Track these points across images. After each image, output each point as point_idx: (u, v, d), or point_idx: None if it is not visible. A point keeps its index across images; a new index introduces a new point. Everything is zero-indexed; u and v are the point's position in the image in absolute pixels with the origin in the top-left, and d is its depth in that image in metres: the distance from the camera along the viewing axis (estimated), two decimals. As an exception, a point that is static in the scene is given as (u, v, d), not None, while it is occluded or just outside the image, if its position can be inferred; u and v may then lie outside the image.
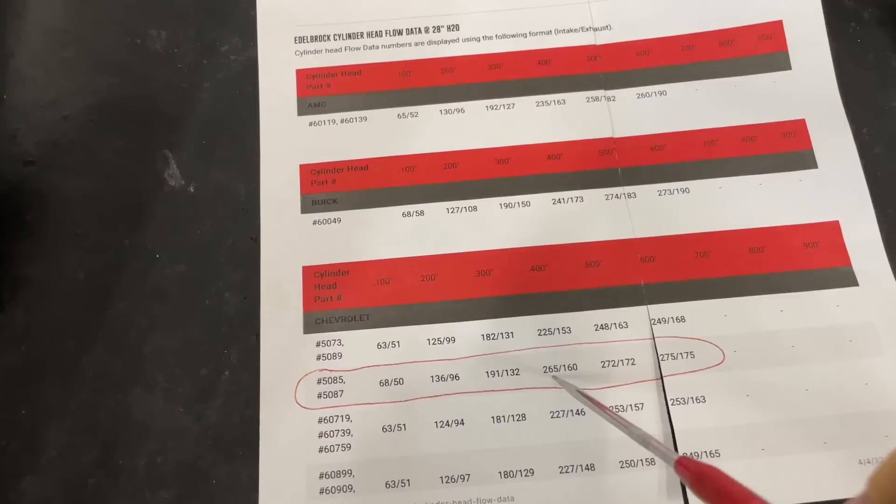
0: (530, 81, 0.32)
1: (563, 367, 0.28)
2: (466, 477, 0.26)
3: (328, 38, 0.33)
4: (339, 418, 0.27)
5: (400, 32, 0.33)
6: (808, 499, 0.25)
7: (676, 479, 0.26)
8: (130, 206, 0.30)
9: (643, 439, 0.22)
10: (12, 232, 0.30)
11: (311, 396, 0.27)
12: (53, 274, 0.29)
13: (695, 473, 0.19)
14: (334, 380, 0.28)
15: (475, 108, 0.32)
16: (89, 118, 0.32)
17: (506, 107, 0.32)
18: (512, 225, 0.30)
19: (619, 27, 0.33)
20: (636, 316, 0.28)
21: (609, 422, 0.24)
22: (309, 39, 0.33)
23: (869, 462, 0.26)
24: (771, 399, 0.27)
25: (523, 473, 0.26)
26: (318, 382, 0.28)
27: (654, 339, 0.28)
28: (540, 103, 0.32)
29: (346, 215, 0.30)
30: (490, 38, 0.33)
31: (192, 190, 0.31)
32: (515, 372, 0.28)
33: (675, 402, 0.27)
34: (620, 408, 0.27)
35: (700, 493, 0.19)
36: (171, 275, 0.29)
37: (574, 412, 0.27)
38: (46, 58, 0.32)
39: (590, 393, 0.26)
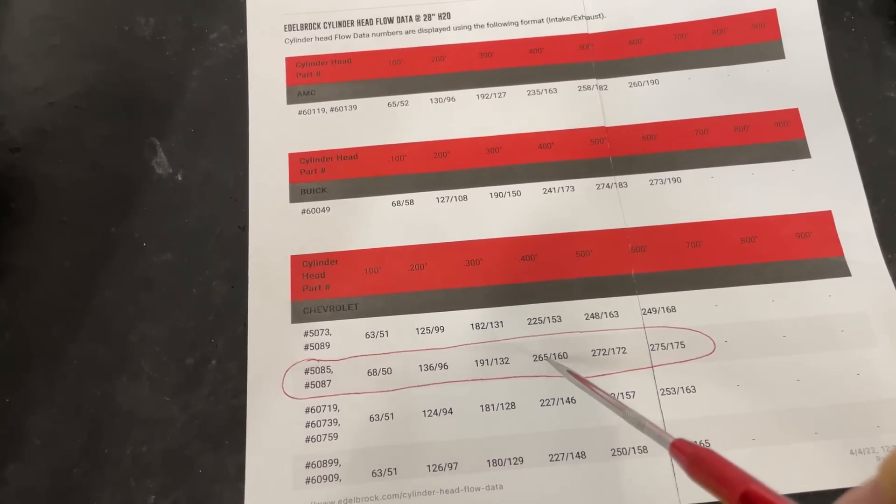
0: (522, 70, 0.32)
1: (553, 356, 0.27)
2: (454, 465, 0.26)
3: (318, 25, 0.33)
4: (327, 408, 0.27)
5: (390, 20, 0.33)
6: (798, 489, 0.25)
7: (668, 467, 0.26)
8: (117, 193, 0.30)
9: (637, 421, 0.22)
10: (-2, 220, 0.30)
11: (299, 386, 0.27)
12: (39, 261, 0.29)
13: (690, 456, 0.18)
14: (322, 369, 0.27)
15: (466, 97, 0.32)
16: (76, 105, 0.31)
17: (497, 95, 0.32)
18: (502, 214, 0.30)
19: (611, 16, 0.33)
20: (627, 305, 0.28)
21: (603, 404, 0.24)
22: (299, 27, 0.33)
23: (860, 452, 0.26)
24: (762, 389, 0.27)
25: (512, 461, 0.26)
26: (306, 372, 0.27)
27: (644, 328, 0.28)
28: (531, 92, 0.32)
29: (335, 204, 0.30)
30: (481, 26, 0.33)
31: (179, 178, 0.30)
32: (505, 361, 0.27)
33: (665, 392, 0.27)
34: (611, 396, 0.27)
35: (695, 476, 0.18)
36: (158, 263, 0.29)
37: (565, 400, 0.27)
38: (33, 44, 0.32)
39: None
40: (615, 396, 0.27)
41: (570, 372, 0.25)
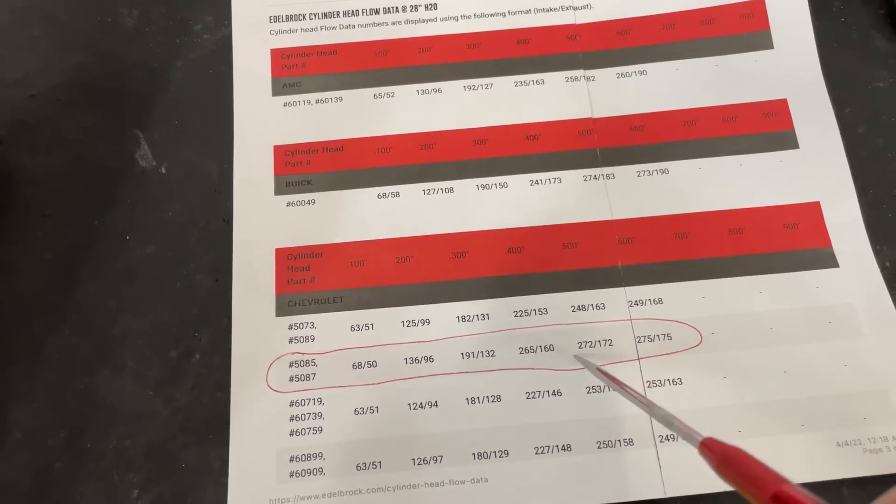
0: (509, 61, 0.32)
1: (539, 349, 0.27)
2: (439, 458, 0.26)
3: (303, 17, 0.33)
4: (311, 401, 0.27)
5: (377, 11, 0.33)
6: (784, 481, 0.25)
7: (654, 459, 0.26)
8: (100, 186, 0.30)
9: (667, 419, 0.21)
10: (-21, 213, 0.29)
11: (283, 380, 0.27)
12: (20, 255, 0.29)
13: (720, 455, 0.18)
14: (307, 363, 0.27)
15: (452, 89, 0.31)
16: (58, 97, 0.31)
17: (483, 87, 0.31)
18: (489, 207, 0.29)
19: (599, 6, 0.32)
20: (613, 297, 0.28)
21: (631, 401, 0.23)
22: (284, 18, 0.33)
23: (847, 444, 0.26)
24: (748, 381, 0.26)
25: (497, 454, 0.26)
26: (291, 365, 0.27)
27: (631, 320, 0.28)
28: (518, 83, 0.31)
29: (321, 197, 0.30)
30: (468, 17, 0.32)
31: (163, 171, 0.30)
32: (491, 353, 0.27)
33: (651, 384, 0.27)
34: (598, 388, 0.27)
35: (725, 475, 0.18)
36: (141, 256, 0.29)
37: (550, 393, 0.27)
38: (14, 36, 0.32)
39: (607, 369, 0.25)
40: (602, 388, 0.27)
41: (598, 369, 0.25)
